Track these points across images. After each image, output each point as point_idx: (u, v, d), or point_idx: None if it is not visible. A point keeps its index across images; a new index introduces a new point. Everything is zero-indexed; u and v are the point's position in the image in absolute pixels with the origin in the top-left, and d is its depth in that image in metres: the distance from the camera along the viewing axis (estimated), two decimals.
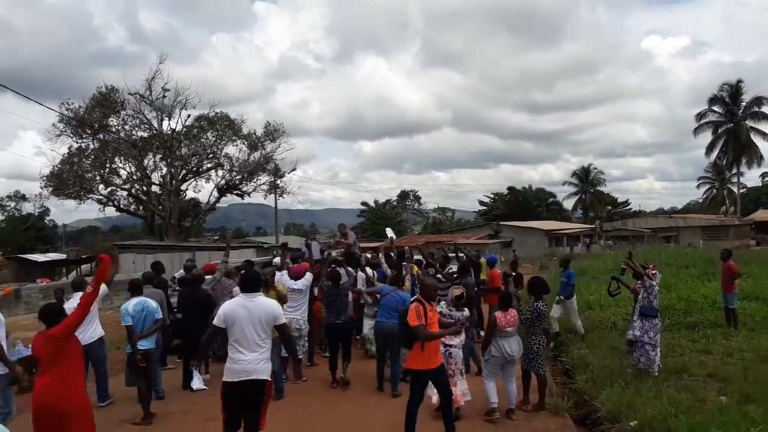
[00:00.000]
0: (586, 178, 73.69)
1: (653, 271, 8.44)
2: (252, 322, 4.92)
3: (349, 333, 9.02)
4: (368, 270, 10.49)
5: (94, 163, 39.85)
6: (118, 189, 42.00)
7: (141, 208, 43.48)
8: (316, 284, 9.44)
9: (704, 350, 9.42)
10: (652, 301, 8.17)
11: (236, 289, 8.79)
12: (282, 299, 8.06)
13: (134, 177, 41.39)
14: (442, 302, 7.55)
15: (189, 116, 41.37)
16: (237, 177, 43.69)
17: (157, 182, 41.94)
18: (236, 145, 43.25)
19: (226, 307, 5.05)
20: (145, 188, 41.66)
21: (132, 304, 7.41)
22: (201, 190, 45.36)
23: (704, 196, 71.97)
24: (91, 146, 39.97)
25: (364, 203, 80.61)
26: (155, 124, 40.57)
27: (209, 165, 43.19)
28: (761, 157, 56.87)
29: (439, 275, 10.59)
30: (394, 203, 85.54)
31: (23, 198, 61.09)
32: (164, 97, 39.29)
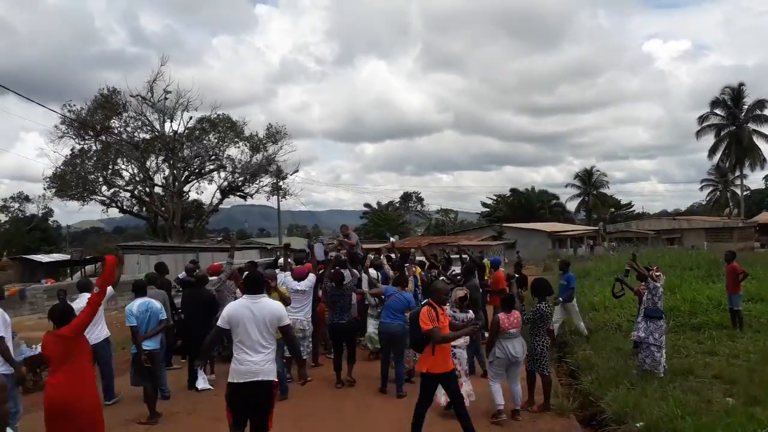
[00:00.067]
0: (588, 180, 73.59)
1: (657, 273, 8.43)
2: (256, 324, 4.90)
3: (353, 333, 9.01)
4: (372, 271, 10.49)
5: (97, 165, 39.99)
6: (121, 190, 42.18)
7: (144, 209, 43.61)
8: (319, 286, 9.44)
9: (710, 352, 9.40)
10: (656, 302, 8.15)
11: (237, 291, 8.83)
12: (284, 301, 8.04)
13: (137, 178, 41.51)
14: (446, 304, 7.54)
15: (191, 118, 41.58)
16: (239, 179, 43.80)
17: (160, 184, 42.07)
18: (238, 147, 43.43)
19: (230, 309, 5.03)
20: (147, 190, 41.77)
21: (136, 304, 7.43)
22: (204, 191, 45.47)
23: (707, 198, 71.93)
24: (94, 148, 40.13)
25: (366, 205, 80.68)
26: (157, 126, 40.73)
27: (212, 167, 43.33)
28: (764, 159, 56.74)
29: (442, 277, 10.60)
30: (397, 205, 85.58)
31: (27, 199, 61.24)
32: (166, 99, 39.43)
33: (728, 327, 11.11)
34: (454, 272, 12.08)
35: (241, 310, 4.96)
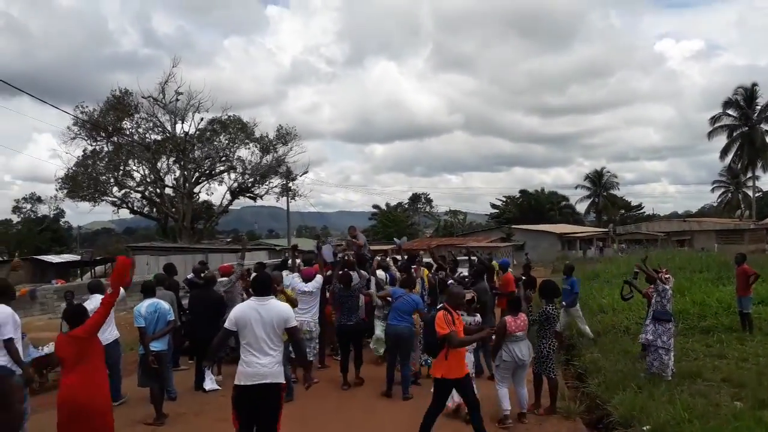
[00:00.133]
0: (599, 182, 73.21)
1: (666, 275, 8.38)
2: (264, 325, 4.86)
3: (361, 334, 9.03)
4: (380, 272, 10.49)
5: (108, 166, 40.26)
6: (131, 191, 42.45)
7: (154, 210, 43.86)
8: (327, 287, 9.46)
9: (718, 355, 9.34)
10: (665, 305, 8.10)
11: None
12: (291, 303, 8.06)
13: (148, 179, 41.77)
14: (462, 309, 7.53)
15: (202, 119, 41.80)
16: (249, 180, 43.97)
17: (171, 185, 42.31)
18: (249, 148, 43.60)
19: (237, 310, 5.00)
20: (158, 191, 42.00)
21: (145, 305, 7.47)
22: (214, 192, 45.66)
23: (719, 200, 71.36)
24: (106, 149, 40.43)
25: (375, 206, 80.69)
26: (168, 127, 40.98)
27: (222, 168, 43.51)
28: None
29: (450, 280, 10.59)
30: (406, 206, 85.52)
31: (39, 200, 61.85)
32: (177, 100, 39.70)
33: (738, 330, 11.01)
34: (461, 274, 12.07)
35: (248, 311, 4.92)
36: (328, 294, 9.59)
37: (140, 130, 40.71)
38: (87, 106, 39.64)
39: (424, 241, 48.02)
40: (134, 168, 41.63)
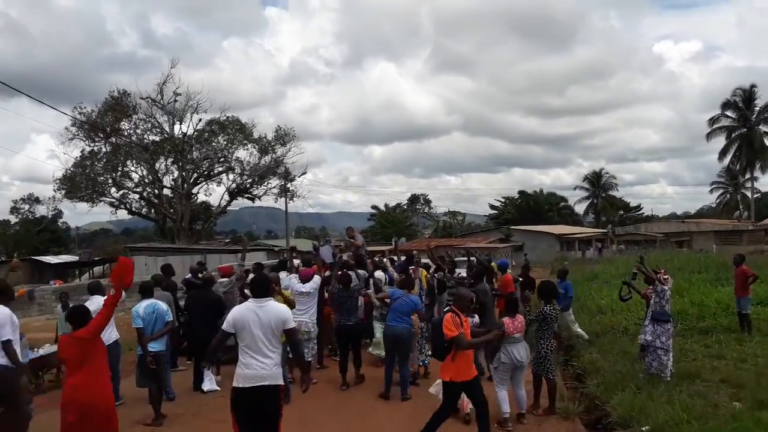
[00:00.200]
0: (597, 183, 73.29)
1: (665, 276, 8.38)
2: (262, 327, 4.82)
3: (360, 335, 9.02)
4: (380, 273, 10.47)
5: (107, 167, 40.23)
6: (130, 192, 42.41)
7: (153, 211, 43.82)
8: (326, 288, 9.45)
9: (717, 355, 9.34)
10: (664, 305, 8.11)
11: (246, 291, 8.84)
12: (289, 305, 8.03)
13: (146, 180, 41.74)
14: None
15: (200, 120, 41.80)
16: (248, 180, 43.97)
17: (169, 185, 42.30)
18: (247, 149, 43.60)
19: (235, 312, 4.95)
20: (156, 191, 41.99)
21: (143, 306, 7.46)
22: (212, 193, 45.81)
23: (717, 201, 71.44)
24: (104, 150, 40.42)
25: (374, 207, 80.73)
26: (167, 128, 40.98)
27: (220, 169, 43.51)
28: None
29: (451, 282, 10.58)
30: (405, 207, 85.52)
31: (37, 201, 61.83)
32: (176, 101, 39.70)
33: (736, 331, 11.02)
34: (459, 275, 12.05)
35: (246, 313, 4.87)
36: (326, 294, 9.58)
37: (138, 131, 40.73)
38: (85, 107, 39.68)
39: (423, 241, 48.00)
40: (132, 169, 41.64)
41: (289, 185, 44.00)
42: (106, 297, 5.40)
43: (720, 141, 58.89)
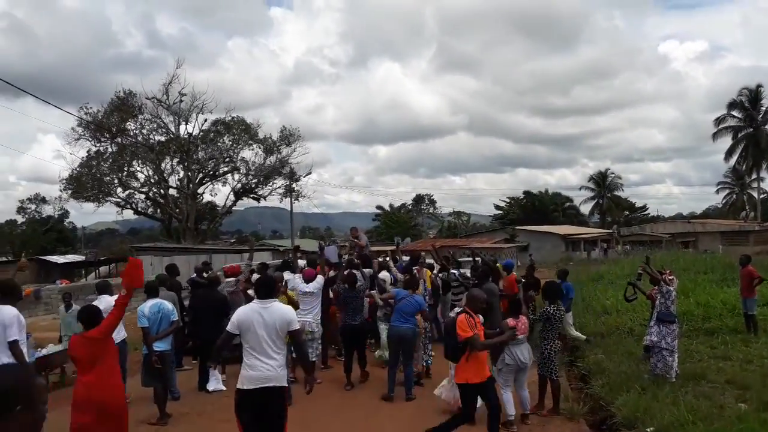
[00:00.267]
0: (603, 183, 73.10)
1: (670, 277, 8.36)
2: (267, 329, 4.80)
3: (365, 334, 9.03)
4: (385, 274, 10.47)
5: (113, 167, 40.36)
6: (135, 192, 42.51)
7: (158, 211, 43.94)
8: (331, 288, 9.45)
9: (723, 357, 9.31)
10: (669, 306, 8.08)
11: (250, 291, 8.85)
12: (293, 305, 8.04)
13: (152, 180, 41.86)
14: (456, 309, 7.51)
15: (206, 120, 41.84)
16: (253, 181, 44.01)
17: (175, 186, 42.38)
18: (252, 149, 43.63)
19: (240, 313, 4.95)
20: (162, 191, 42.09)
21: (148, 306, 7.49)
22: (217, 193, 45.71)
23: (723, 201, 71.13)
24: (110, 150, 40.54)
25: (379, 207, 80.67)
26: (172, 129, 41.07)
27: (226, 169, 43.56)
28: None
29: (455, 282, 10.59)
30: (410, 207, 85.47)
31: (43, 201, 61.96)
32: (181, 101, 39.76)
33: (742, 332, 10.98)
34: (463, 274, 12.02)
35: (251, 314, 4.86)
36: (331, 294, 9.59)
37: (144, 131, 40.83)
38: (91, 107, 39.76)
39: (428, 241, 47.98)
40: (138, 169, 41.75)
41: (294, 185, 44.04)
42: (117, 297, 5.43)
43: (726, 141, 58.79)
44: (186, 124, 41.04)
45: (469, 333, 5.65)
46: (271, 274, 7.84)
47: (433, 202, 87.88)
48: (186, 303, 9.93)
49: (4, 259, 45.35)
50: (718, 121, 58.73)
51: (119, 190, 41.37)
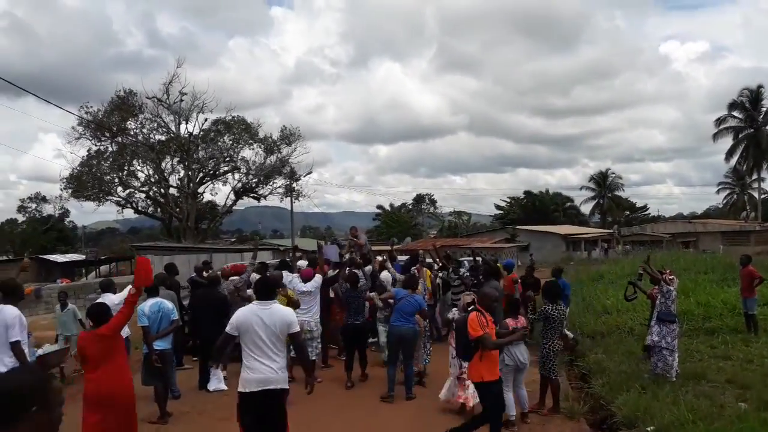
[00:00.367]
0: (603, 183, 73.07)
1: (670, 276, 8.35)
2: (266, 331, 4.76)
3: (366, 333, 9.03)
4: (386, 274, 10.46)
5: (113, 166, 40.33)
6: (136, 191, 42.48)
7: (159, 210, 43.90)
8: (332, 286, 9.46)
9: (723, 356, 9.31)
10: (669, 306, 8.08)
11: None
12: (294, 305, 8.02)
13: (152, 180, 41.83)
14: (454, 309, 7.51)
15: (206, 120, 41.78)
16: (253, 180, 43.97)
17: (175, 185, 42.33)
18: (253, 149, 43.57)
19: (239, 315, 4.90)
20: (162, 191, 42.06)
21: (148, 305, 7.49)
22: (218, 192, 45.65)
23: (724, 202, 71.13)
24: (110, 149, 40.48)
25: (379, 207, 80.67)
26: (173, 128, 41.02)
27: (226, 168, 43.52)
28: None
29: (455, 282, 10.58)
30: (410, 207, 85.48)
31: (44, 200, 62.03)
32: (182, 100, 39.70)
33: (743, 331, 10.98)
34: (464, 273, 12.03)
35: (250, 316, 4.81)
36: (332, 293, 9.59)
37: (144, 131, 40.77)
38: (91, 107, 39.70)
39: (429, 241, 47.98)
40: (138, 168, 41.71)
41: (294, 185, 43.98)
42: (126, 295, 5.47)
43: (727, 141, 58.79)
44: (186, 123, 41.04)
45: (479, 332, 5.65)
46: (270, 274, 7.84)
47: (433, 202, 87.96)
48: (185, 302, 9.91)
49: (4, 258, 45.42)
50: (719, 121, 58.73)
51: (119, 189, 41.35)
